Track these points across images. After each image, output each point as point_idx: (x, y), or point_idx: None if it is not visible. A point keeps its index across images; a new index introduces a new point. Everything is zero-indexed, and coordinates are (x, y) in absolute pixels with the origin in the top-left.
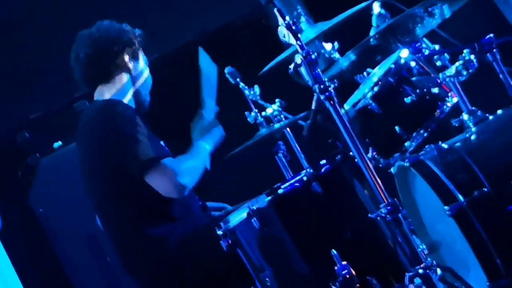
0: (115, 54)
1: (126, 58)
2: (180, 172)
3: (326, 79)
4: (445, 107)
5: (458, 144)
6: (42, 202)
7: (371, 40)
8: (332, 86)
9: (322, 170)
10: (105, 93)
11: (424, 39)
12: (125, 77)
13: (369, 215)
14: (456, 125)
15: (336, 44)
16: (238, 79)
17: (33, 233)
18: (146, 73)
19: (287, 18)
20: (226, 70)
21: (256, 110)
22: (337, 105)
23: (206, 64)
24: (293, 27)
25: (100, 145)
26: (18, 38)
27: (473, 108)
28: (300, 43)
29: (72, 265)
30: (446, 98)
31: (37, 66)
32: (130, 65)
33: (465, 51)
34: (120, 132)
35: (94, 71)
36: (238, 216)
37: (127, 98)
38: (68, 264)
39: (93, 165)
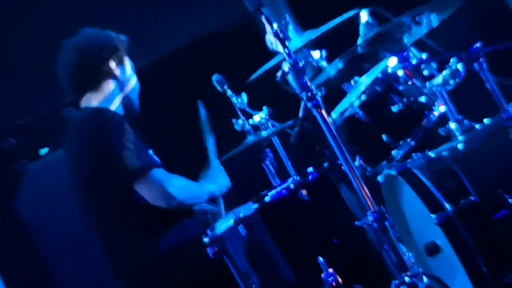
0: (102, 61)
1: (113, 65)
2: (169, 182)
3: (313, 87)
4: (432, 116)
5: (445, 153)
6: (29, 209)
7: (359, 48)
8: (320, 94)
9: (309, 177)
10: (92, 100)
11: (412, 48)
12: (112, 84)
13: (356, 222)
14: (443, 134)
15: (323, 52)
16: (225, 87)
17: (20, 240)
18: (133, 78)
19: (275, 25)
20: (214, 77)
21: (244, 118)
22: (324, 113)
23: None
24: (281, 35)
25: (89, 152)
26: (4, 44)
27: (460, 117)
28: (287, 51)
29: (60, 272)
30: (433, 107)
31: (24, 72)
32: (117, 71)
33: (452, 60)
34: (110, 139)
35: (81, 78)
36: (224, 224)
37: (115, 105)
38: (56, 270)
39: (82, 171)
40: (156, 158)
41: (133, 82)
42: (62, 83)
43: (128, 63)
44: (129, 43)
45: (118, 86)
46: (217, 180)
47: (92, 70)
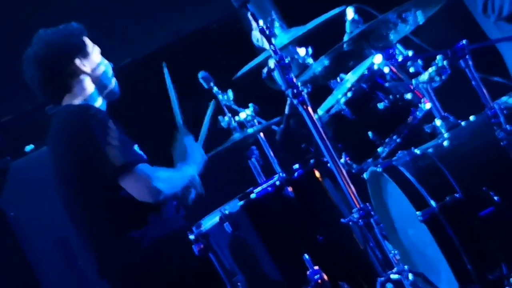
0: (66, 65)
1: (77, 62)
2: (155, 177)
3: (299, 84)
4: (418, 113)
5: (430, 150)
6: (13, 206)
7: (345, 45)
8: (305, 91)
9: (295, 174)
10: (72, 100)
11: (398, 45)
12: (85, 80)
13: (341, 220)
14: (429, 131)
15: (309, 49)
16: (211, 84)
17: (4, 237)
18: (102, 62)
19: (261, 22)
20: (200, 74)
21: (230, 115)
22: (310, 109)
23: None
24: (267, 32)
25: (73, 149)
26: None
27: (446, 114)
28: (273, 48)
29: (43, 269)
30: (419, 104)
31: (8, 68)
32: (84, 67)
33: (438, 57)
34: (93, 136)
35: (53, 88)
36: (210, 221)
37: (96, 101)
38: (39, 268)
39: (66, 168)
40: (141, 153)
41: (102, 66)
42: (36, 94)
43: (92, 49)
44: (84, 28)
45: (91, 79)
46: (194, 158)
47: (59, 78)
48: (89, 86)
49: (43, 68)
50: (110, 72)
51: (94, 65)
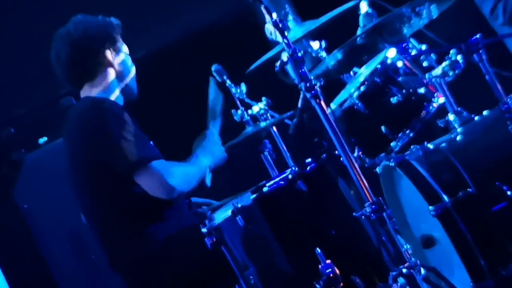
0: (97, 52)
1: (108, 53)
2: (170, 174)
3: (312, 78)
4: (431, 107)
5: (443, 144)
6: (27, 198)
7: (358, 39)
8: (319, 84)
9: (308, 168)
10: (91, 91)
11: (411, 39)
12: (109, 73)
13: (354, 214)
14: (442, 125)
15: (323, 43)
16: (224, 77)
17: (18, 230)
18: (129, 62)
19: (274, 15)
20: (213, 67)
21: (243, 108)
22: (323, 103)
23: (214, 92)
24: (280, 25)
25: (88, 143)
26: (1, 34)
27: (459, 108)
28: (286, 41)
29: (57, 262)
30: (432, 99)
31: (23, 62)
32: (113, 60)
33: (451, 51)
34: (109, 130)
35: (78, 71)
36: (222, 214)
37: (115, 95)
38: (53, 261)
39: (81, 162)
40: (156, 149)
41: (128, 66)
42: (58, 76)
43: (123, 48)
44: (121, 26)
45: (116, 74)
46: (213, 151)
47: (87, 62)
48: (112, 79)
49: (75, 47)
50: (133, 72)
51: (121, 62)
